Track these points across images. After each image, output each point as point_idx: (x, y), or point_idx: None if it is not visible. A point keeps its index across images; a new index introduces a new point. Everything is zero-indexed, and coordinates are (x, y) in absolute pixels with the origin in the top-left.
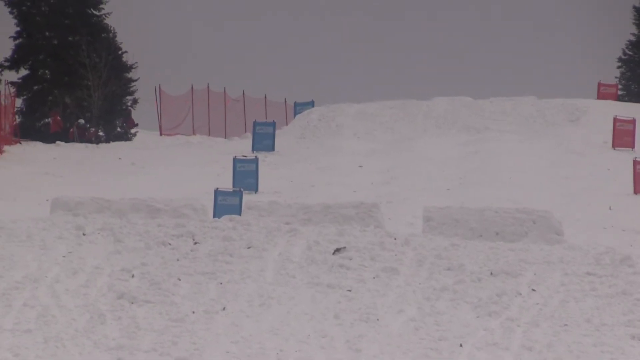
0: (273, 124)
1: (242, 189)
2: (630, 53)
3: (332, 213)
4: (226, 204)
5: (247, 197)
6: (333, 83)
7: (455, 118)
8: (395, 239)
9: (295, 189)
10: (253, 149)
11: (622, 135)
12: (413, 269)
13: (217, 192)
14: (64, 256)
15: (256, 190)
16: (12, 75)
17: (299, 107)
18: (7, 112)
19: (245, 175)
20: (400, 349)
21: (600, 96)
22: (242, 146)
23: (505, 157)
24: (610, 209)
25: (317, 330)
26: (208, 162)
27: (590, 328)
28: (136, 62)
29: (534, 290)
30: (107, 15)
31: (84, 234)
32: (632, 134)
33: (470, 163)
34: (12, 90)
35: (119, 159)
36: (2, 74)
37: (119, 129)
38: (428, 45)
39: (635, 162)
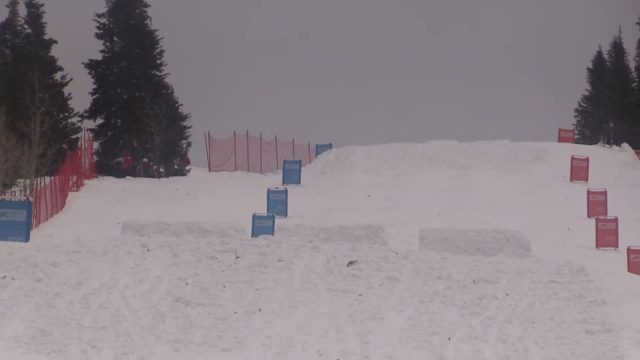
0: (299, 162)
1: (274, 214)
2: (584, 105)
3: (346, 233)
4: (262, 226)
5: (279, 221)
6: (347, 129)
7: (444, 157)
8: (396, 253)
9: (316, 214)
10: (283, 182)
11: (578, 171)
12: (411, 277)
13: (254, 217)
14: (132, 268)
15: (285, 215)
16: (91, 124)
17: (320, 149)
18: (87, 153)
19: (277, 203)
20: (401, 341)
21: (561, 139)
22: (275, 180)
23: (485, 188)
24: (568, 229)
25: (334, 327)
26: (247, 193)
27: (552, 324)
28: (190, 113)
29: (507, 294)
30: (167, 75)
31: (148, 250)
32: (586, 169)
33: (457, 193)
34: (91, 135)
35: (176, 190)
36: (82, 123)
37: (176, 166)
38: (422, 100)
39: (588, 192)
